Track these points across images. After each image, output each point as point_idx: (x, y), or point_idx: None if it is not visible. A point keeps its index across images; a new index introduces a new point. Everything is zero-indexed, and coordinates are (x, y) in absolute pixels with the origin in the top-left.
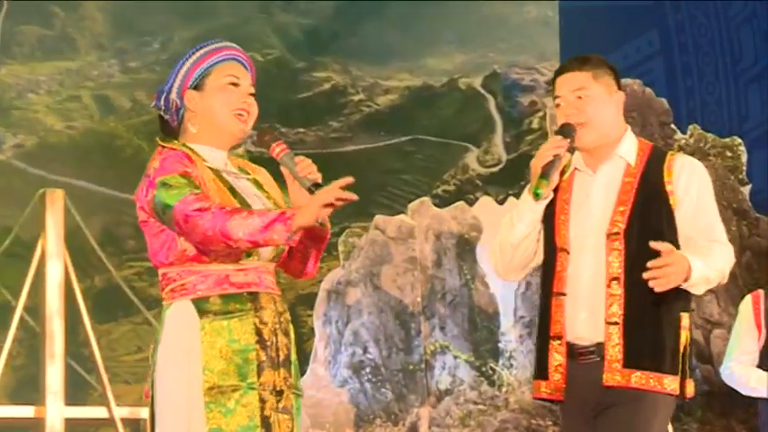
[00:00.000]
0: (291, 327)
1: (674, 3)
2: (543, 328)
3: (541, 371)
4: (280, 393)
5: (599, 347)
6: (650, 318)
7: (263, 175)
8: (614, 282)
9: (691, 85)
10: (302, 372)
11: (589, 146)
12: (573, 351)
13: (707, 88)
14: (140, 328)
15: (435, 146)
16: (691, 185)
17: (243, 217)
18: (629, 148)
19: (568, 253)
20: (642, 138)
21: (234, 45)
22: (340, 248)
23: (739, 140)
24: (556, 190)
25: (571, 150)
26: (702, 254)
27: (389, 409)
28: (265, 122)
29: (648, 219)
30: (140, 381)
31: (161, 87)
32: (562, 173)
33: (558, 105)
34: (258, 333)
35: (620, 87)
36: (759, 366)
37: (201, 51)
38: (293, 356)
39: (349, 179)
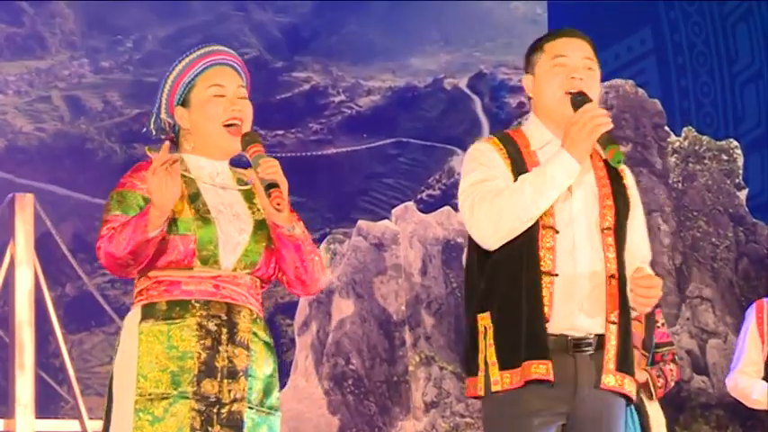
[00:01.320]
0: (257, 340)
1: (667, 1)
2: (534, 307)
3: (540, 350)
4: (226, 406)
5: (598, 339)
6: (629, 321)
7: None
8: (612, 279)
9: (685, 86)
10: (282, 384)
11: None
12: (565, 341)
13: (702, 89)
14: (114, 338)
15: (420, 149)
16: (637, 195)
17: (119, 231)
18: None
19: (557, 232)
20: (634, 139)
21: (218, 48)
22: (321, 255)
23: (735, 143)
24: (522, 159)
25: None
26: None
27: (373, 423)
28: None
29: (626, 217)
30: None
31: (151, 110)
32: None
33: (562, 64)
34: (201, 342)
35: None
36: (765, 378)
37: (183, 64)
38: (260, 371)
39: (168, 157)
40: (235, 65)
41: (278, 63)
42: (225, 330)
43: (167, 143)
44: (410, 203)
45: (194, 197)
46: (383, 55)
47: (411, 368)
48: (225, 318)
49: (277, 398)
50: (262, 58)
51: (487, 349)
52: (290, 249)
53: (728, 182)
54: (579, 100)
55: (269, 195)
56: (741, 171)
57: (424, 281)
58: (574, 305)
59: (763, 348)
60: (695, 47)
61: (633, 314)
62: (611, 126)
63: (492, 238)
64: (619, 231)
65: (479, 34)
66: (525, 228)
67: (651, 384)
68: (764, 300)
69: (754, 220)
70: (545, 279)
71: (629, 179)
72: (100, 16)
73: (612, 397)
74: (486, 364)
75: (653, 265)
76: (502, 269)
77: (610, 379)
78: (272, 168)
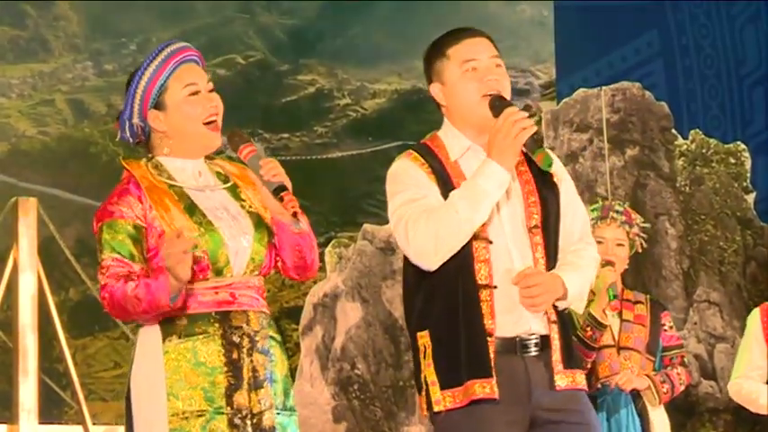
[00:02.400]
0: (274, 343)
1: (674, 2)
2: (473, 322)
3: (481, 369)
4: (257, 416)
5: (543, 340)
6: (567, 315)
7: (245, 178)
8: None
9: (692, 89)
10: None
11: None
12: (513, 345)
13: (709, 92)
14: (117, 342)
15: None
16: (564, 172)
17: (131, 290)
18: None
19: (490, 242)
20: (641, 143)
21: (181, 45)
22: (326, 259)
23: (743, 146)
24: (445, 172)
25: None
26: (575, 264)
27: (379, 428)
28: (248, 128)
29: (556, 209)
30: (118, 398)
31: (120, 117)
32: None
33: (473, 69)
34: (227, 355)
35: None
36: None
37: (152, 67)
38: (279, 373)
39: (190, 241)
40: (196, 58)
41: (283, 66)
42: (247, 340)
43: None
44: None
45: (191, 209)
46: (389, 57)
47: None
48: (246, 327)
49: (293, 396)
50: (266, 60)
51: (426, 368)
52: (293, 240)
53: (736, 185)
54: (498, 105)
55: (280, 199)
56: (749, 174)
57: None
58: (518, 312)
59: None
60: (702, 49)
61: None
62: (536, 129)
63: (432, 258)
64: (546, 227)
65: None
66: (464, 243)
67: (654, 390)
68: None
69: (762, 223)
70: (483, 292)
71: (554, 164)
72: (103, 19)
73: (568, 394)
74: (426, 383)
75: (660, 268)
76: (438, 286)
77: (562, 380)
78: (275, 170)
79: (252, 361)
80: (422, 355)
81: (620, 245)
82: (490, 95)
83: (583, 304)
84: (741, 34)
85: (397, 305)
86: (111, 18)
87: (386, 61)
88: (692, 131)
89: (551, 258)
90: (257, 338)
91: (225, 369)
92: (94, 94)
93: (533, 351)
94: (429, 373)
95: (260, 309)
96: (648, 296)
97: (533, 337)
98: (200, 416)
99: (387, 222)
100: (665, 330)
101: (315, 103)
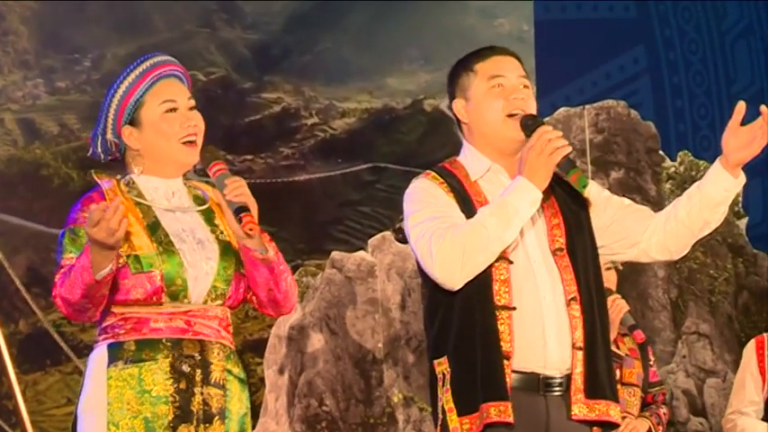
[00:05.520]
0: (232, 377)
1: (662, 17)
2: (489, 344)
3: (497, 391)
4: None
5: (567, 379)
6: (603, 342)
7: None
8: (573, 302)
9: (681, 107)
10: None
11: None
12: (536, 382)
13: (698, 111)
14: (70, 378)
15: (398, 174)
16: (601, 192)
17: (69, 274)
18: None
19: (511, 262)
20: (626, 165)
21: (162, 59)
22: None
23: None
24: (465, 191)
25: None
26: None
27: None
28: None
29: (582, 231)
30: None
31: (93, 132)
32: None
33: (499, 85)
34: (174, 384)
35: None
36: (765, 419)
37: (128, 81)
38: (234, 411)
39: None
40: (180, 74)
41: (246, 83)
42: (199, 371)
43: (121, 206)
44: (388, 233)
45: (154, 227)
46: (359, 75)
47: (389, 410)
48: (198, 357)
49: None
50: (229, 77)
51: (444, 395)
52: (263, 272)
53: (727, 210)
54: (531, 123)
55: (239, 220)
56: (740, 199)
57: (402, 316)
58: (540, 337)
59: (764, 387)
60: (692, 66)
61: (613, 334)
62: (571, 149)
63: (457, 276)
64: (572, 250)
65: (461, 52)
66: (491, 262)
67: None
68: (765, 335)
69: (755, 250)
70: (502, 314)
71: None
72: (55, 34)
73: (585, 428)
74: (443, 411)
75: (647, 298)
76: (455, 309)
77: (581, 409)
78: (239, 189)
79: (203, 393)
80: (440, 383)
81: (608, 269)
82: (515, 114)
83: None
84: (732, 50)
85: (368, 337)
86: (63, 33)
87: (356, 78)
88: (681, 153)
89: (581, 281)
90: (211, 370)
91: (171, 399)
92: (46, 114)
93: (557, 391)
94: (446, 399)
95: (218, 340)
96: None
97: (559, 376)
98: None
99: (356, 250)
100: (650, 365)
101: (280, 123)
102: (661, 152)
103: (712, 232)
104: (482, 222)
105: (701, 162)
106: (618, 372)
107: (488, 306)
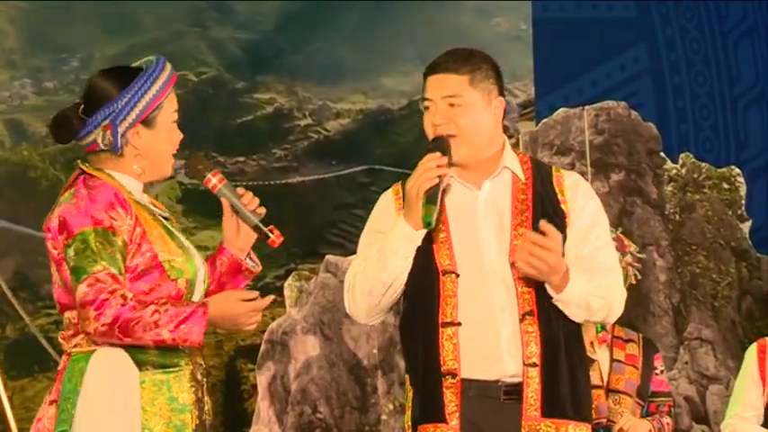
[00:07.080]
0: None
1: (663, 15)
2: (430, 363)
3: (436, 412)
4: None
5: (519, 387)
6: (567, 358)
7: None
8: (528, 317)
9: (682, 108)
10: None
11: (462, 161)
12: (495, 390)
13: (701, 111)
14: None
15: (393, 176)
16: (587, 206)
17: (150, 314)
18: (514, 162)
19: (458, 276)
20: (627, 167)
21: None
22: (286, 294)
23: (737, 170)
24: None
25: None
26: (590, 276)
27: None
28: (200, 150)
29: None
30: None
31: (98, 117)
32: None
33: (426, 108)
34: (195, 393)
35: (502, 92)
36: (764, 425)
37: (162, 80)
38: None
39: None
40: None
41: (238, 83)
42: (206, 380)
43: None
44: None
45: (170, 234)
46: (353, 75)
47: (384, 417)
48: (203, 363)
49: None
50: (220, 78)
51: (407, 414)
52: (240, 281)
53: (730, 213)
54: (430, 147)
55: (265, 234)
56: (744, 201)
57: (397, 321)
58: (495, 350)
59: (764, 392)
60: (694, 66)
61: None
62: (435, 182)
63: (362, 316)
64: None
65: None
66: (380, 299)
67: None
68: (766, 339)
69: (759, 254)
70: (447, 330)
71: (570, 192)
72: (43, 33)
73: None
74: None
75: (648, 303)
76: (404, 328)
77: (534, 425)
78: (255, 201)
79: (207, 402)
80: (407, 402)
81: None
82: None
83: (583, 316)
84: (736, 50)
85: (362, 343)
86: (51, 32)
87: (350, 79)
88: (683, 155)
89: (539, 296)
90: (209, 376)
91: (192, 408)
92: (34, 114)
93: (513, 398)
94: (407, 418)
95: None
96: (641, 335)
97: (515, 384)
98: None
99: (351, 253)
100: (657, 374)
101: (273, 124)
102: (662, 154)
103: (716, 236)
104: (365, 267)
105: (703, 164)
106: (605, 377)
107: (431, 323)
